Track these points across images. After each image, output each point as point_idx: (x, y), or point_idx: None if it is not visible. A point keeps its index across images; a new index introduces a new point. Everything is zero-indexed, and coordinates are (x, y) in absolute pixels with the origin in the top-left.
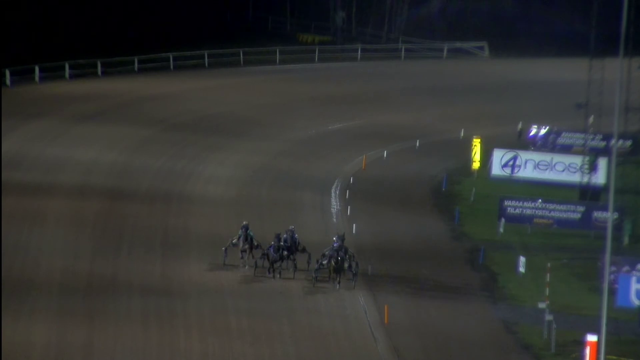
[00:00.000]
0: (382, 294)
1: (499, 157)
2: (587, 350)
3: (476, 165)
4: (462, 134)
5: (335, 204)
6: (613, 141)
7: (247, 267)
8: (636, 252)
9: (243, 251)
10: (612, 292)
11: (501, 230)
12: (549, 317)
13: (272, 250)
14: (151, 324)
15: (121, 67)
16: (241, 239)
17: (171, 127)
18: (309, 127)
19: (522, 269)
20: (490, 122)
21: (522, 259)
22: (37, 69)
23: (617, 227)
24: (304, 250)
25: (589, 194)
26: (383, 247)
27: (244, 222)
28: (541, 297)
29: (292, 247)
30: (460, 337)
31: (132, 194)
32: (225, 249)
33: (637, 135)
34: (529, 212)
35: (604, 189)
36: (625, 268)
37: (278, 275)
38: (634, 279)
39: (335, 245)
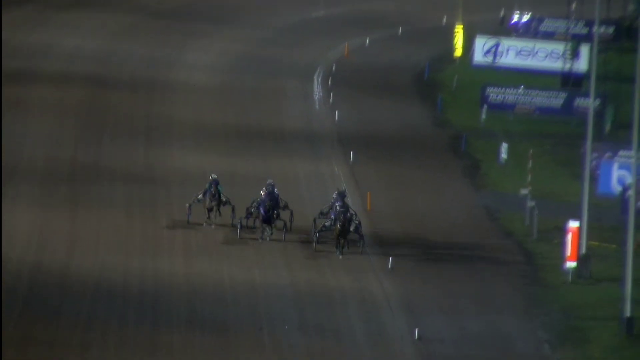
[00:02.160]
0: (364, 181)
1: (481, 44)
2: (569, 237)
3: (458, 52)
4: (444, 21)
5: (317, 92)
6: (595, 27)
7: (213, 226)
8: (618, 139)
9: (210, 209)
10: (594, 179)
11: (483, 117)
12: (530, 203)
13: (262, 209)
14: (134, 212)
15: None
16: (208, 194)
17: (155, 13)
18: (291, 14)
19: (504, 156)
20: (473, 9)
21: (504, 146)
22: None
23: (599, 114)
24: (285, 207)
25: (571, 81)
26: (366, 135)
27: (213, 176)
28: (523, 184)
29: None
30: (442, 223)
31: (115, 81)
32: (190, 206)
33: (620, 22)
34: (511, 99)
35: (586, 75)
36: (607, 155)
37: (268, 239)
38: (615, 166)
39: (337, 204)
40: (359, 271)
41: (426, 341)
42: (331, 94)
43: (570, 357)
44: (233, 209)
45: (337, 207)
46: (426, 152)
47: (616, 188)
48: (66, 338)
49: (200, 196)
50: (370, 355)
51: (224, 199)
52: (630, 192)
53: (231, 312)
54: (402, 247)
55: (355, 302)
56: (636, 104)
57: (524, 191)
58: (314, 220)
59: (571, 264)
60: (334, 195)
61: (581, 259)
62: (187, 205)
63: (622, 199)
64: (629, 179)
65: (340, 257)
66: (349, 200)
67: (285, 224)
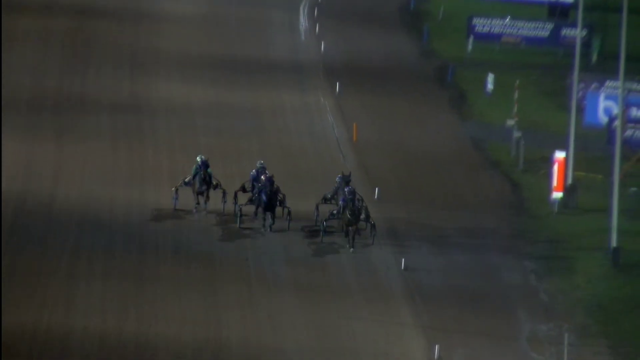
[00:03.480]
0: (350, 111)
1: None
2: (555, 167)
3: None
4: None
5: (303, 22)
6: None
7: (205, 213)
8: (604, 70)
9: (200, 193)
10: (581, 110)
11: (469, 48)
12: (517, 134)
13: (263, 195)
14: (120, 141)
15: None
16: (197, 178)
17: None
18: None
19: (490, 87)
20: None
21: (490, 77)
22: None
23: (586, 44)
24: (283, 202)
25: (557, 11)
26: (352, 65)
27: (202, 157)
28: (509, 115)
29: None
30: (428, 154)
31: (101, 11)
32: (176, 190)
33: None
34: (497, 29)
35: (573, 5)
36: (594, 85)
37: (269, 229)
38: (602, 97)
39: (347, 189)
40: None
41: (412, 271)
42: (317, 25)
43: (556, 287)
44: (224, 193)
45: (346, 193)
46: (412, 83)
47: (602, 118)
48: (52, 268)
49: (188, 179)
50: (356, 285)
51: (214, 182)
52: (617, 123)
53: (217, 244)
54: (388, 178)
55: (342, 234)
56: (623, 34)
57: (510, 122)
58: (317, 206)
59: (557, 195)
60: (337, 180)
61: (567, 190)
62: (173, 189)
63: (609, 129)
64: (616, 110)
65: (352, 250)
66: (358, 190)
67: (289, 212)
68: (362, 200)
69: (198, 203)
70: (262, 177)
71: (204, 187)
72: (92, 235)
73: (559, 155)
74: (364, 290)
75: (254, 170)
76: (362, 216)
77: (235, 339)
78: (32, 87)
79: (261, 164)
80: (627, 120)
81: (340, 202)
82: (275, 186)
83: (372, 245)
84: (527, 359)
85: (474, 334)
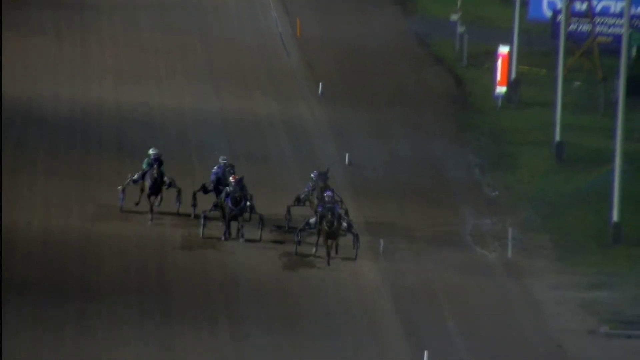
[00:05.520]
0: (294, 6)
1: None
2: (499, 62)
3: None
4: None
5: None
6: None
7: (150, 222)
8: None
9: (150, 195)
10: (525, 4)
11: None
12: (461, 28)
13: (229, 201)
14: (64, 38)
15: None
16: (148, 176)
17: None
18: None
19: None
20: None
21: None
22: None
23: None
24: (252, 207)
25: None
26: None
27: (153, 151)
28: (453, 9)
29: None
30: (373, 49)
31: None
32: (123, 190)
33: None
34: None
35: None
36: None
37: (242, 239)
38: None
39: (326, 194)
40: (288, 99)
41: (357, 166)
42: None
43: (500, 182)
44: (179, 193)
45: (325, 199)
46: None
47: (547, 12)
48: None
49: (136, 177)
50: (300, 179)
51: (167, 181)
52: (561, 17)
53: (160, 138)
54: (332, 74)
55: (286, 130)
56: None
57: (454, 16)
58: (288, 208)
59: (501, 89)
60: (313, 176)
61: (511, 84)
62: (119, 187)
63: (553, 23)
64: (560, 4)
65: (329, 265)
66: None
67: (261, 218)
68: (342, 201)
69: (151, 210)
70: (231, 178)
71: (155, 188)
72: (36, 132)
73: (503, 49)
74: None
75: (216, 167)
76: (344, 225)
77: (180, 233)
78: None
79: (224, 159)
80: (571, 14)
81: (318, 210)
82: (245, 190)
83: (355, 255)
84: (471, 253)
85: (417, 228)
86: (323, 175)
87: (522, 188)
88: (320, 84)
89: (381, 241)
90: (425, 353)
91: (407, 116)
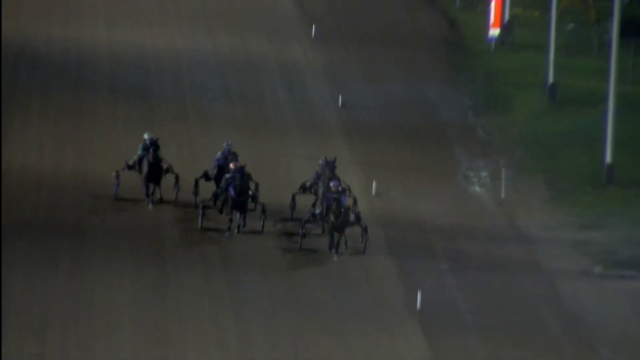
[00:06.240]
0: None
1: None
2: (493, 4)
3: None
4: None
5: None
6: None
7: (151, 206)
8: None
9: (149, 180)
10: None
11: None
12: None
13: (232, 190)
14: None
15: None
16: (145, 161)
17: None
18: None
19: None
20: None
21: None
22: None
23: None
24: (255, 196)
25: None
26: None
27: (149, 135)
28: None
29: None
30: None
31: None
32: (117, 175)
33: None
34: None
35: None
36: None
37: (237, 231)
38: None
39: (332, 184)
40: (282, 40)
41: (350, 108)
42: None
43: (494, 123)
44: (177, 179)
45: (331, 188)
46: None
47: None
48: None
49: (131, 163)
50: (293, 120)
51: (165, 167)
52: None
53: (154, 80)
54: (326, 17)
55: (279, 71)
56: None
57: None
58: (293, 196)
59: (494, 31)
60: (320, 163)
61: (505, 26)
62: (113, 174)
63: None
64: None
65: (336, 259)
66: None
67: (263, 209)
68: (349, 190)
69: (147, 196)
70: (232, 165)
71: (154, 174)
72: (29, 73)
73: None
74: (301, 128)
75: (219, 153)
76: (352, 217)
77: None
78: None
79: (229, 144)
80: None
81: (324, 201)
82: (246, 178)
83: (363, 249)
84: (465, 193)
85: (411, 169)
86: (330, 164)
87: (516, 130)
88: (313, 25)
89: (374, 182)
90: (419, 293)
91: (401, 58)
